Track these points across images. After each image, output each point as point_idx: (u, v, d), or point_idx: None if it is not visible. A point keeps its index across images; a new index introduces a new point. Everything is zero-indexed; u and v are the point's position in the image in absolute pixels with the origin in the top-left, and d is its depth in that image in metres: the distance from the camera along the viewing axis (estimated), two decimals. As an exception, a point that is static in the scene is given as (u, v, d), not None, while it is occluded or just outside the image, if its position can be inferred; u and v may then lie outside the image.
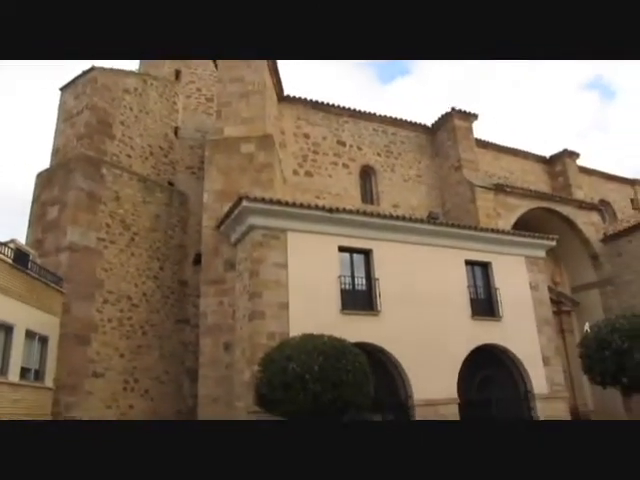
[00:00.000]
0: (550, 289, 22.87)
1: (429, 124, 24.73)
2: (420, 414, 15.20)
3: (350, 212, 15.80)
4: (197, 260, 17.48)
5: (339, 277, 15.21)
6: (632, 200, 31.03)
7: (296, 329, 13.06)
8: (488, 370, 17.48)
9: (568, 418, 18.17)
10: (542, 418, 17.29)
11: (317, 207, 15.32)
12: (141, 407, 17.17)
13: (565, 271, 25.96)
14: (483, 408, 16.66)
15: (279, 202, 14.61)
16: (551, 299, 22.32)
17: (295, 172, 20.57)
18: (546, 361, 18.21)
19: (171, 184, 21.22)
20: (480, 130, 30.44)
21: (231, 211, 14.96)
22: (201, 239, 16.59)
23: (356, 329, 14.68)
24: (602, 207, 27.62)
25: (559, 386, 18.30)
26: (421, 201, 23.03)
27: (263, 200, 14.45)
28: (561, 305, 23.83)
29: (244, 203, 14.22)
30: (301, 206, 14.94)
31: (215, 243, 16.05)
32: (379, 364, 15.23)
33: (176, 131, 21.97)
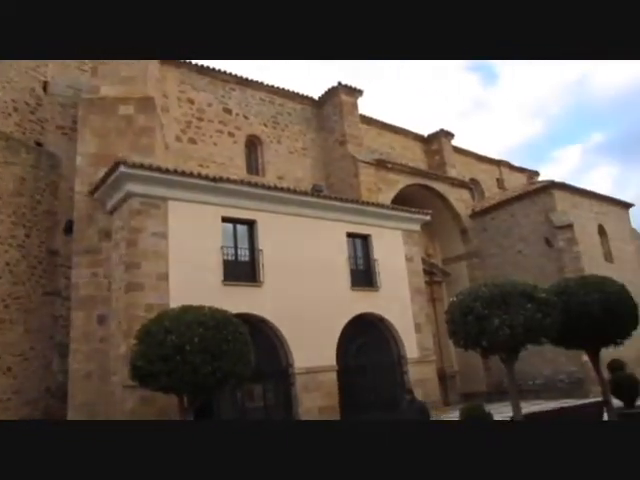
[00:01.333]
0: (423, 261, 24.35)
1: (316, 97, 24.88)
2: (300, 382, 15.65)
3: (234, 182, 15.56)
4: (68, 228, 16.26)
5: (222, 248, 15.01)
6: (498, 180, 33.72)
7: (176, 301, 12.74)
8: (365, 338, 18.36)
9: (435, 379, 19.68)
10: (413, 380, 18.57)
11: (200, 176, 14.89)
12: (2, 386, 15.87)
13: (438, 244, 27.74)
14: (360, 374, 17.52)
15: (160, 169, 13.99)
16: (424, 270, 23.80)
17: (178, 138, 19.76)
18: (417, 328, 19.50)
19: (39, 144, 19.38)
20: (365, 106, 31.22)
21: (107, 177, 14.07)
22: (74, 206, 15.43)
23: (238, 300, 14.64)
24: (472, 185, 29.73)
25: (428, 350, 19.72)
26: (306, 174, 23.26)
27: (142, 166, 13.74)
28: (433, 276, 25.48)
29: (121, 169, 13.44)
30: (183, 174, 14.43)
31: (89, 210, 15.04)
32: (261, 334, 15.37)
33: (45, 86, 20.02)
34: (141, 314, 13.02)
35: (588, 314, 11.96)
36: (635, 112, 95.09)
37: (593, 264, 22.78)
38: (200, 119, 20.47)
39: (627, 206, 28.78)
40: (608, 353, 14.28)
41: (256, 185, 16.15)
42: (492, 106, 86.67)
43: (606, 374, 13.86)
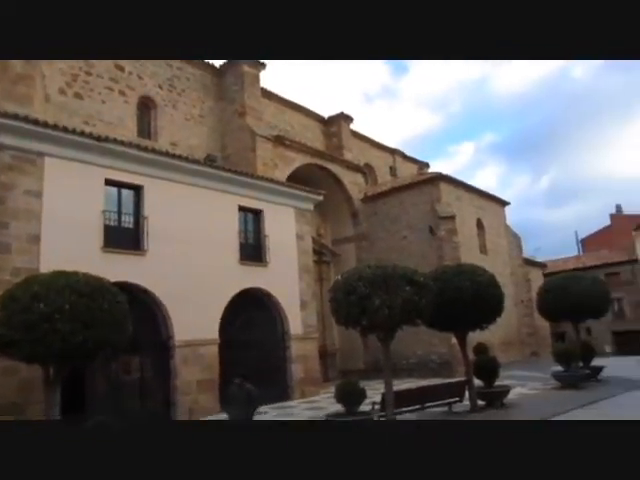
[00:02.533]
0: (314, 240, 24.73)
1: (217, 65, 24.06)
2: (180, 354, 15.30)
3: (122, 143, 14.65)
4: None
5: (103, 212, 14.14)
6: (391, 168, 34.93)
7: (48, 266, 11.78)
8: (251, 313, 18.31)
9: (317, 356, 20.17)
10: (295, 356, 18.90)
11: (83, 133, 13.84)
12: None
13: (329, 225, 28.28)
14: (244, 349, 17.48)
15: (36, 122, 12.77)
16: (314, 250, 24.18)
17: (62, 91, 18.16)
18: (303, 305, 19.81)
19: None
20: (267, 82, 30.74)
21: (-26, 124, 12.60)
22: None
23: (119, 268, 13.92)
24: (366, 170, 30.55)
25: (311, 328, 20.14)
26: (201, 142, 22.50)
27: (16, 117, 12.47)
28: (322, 256, 25.98)
29: (-10, 117, 12.10)
30: (64, 130, 13.32)
31: (-49, 162, 13.40)
32: (142, 305, 14.77)
33: None
34: (6, 278, 11.95)
35: (461, 299, 12.84)
36: (526, 117, 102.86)
37: (469, 254, 24.44)
38: (88, 73, 18.96)
39: (504, 204, 31.17)
40: (474, 337, 15.44)
41: (145, 149, 15.33)
42: (398, 96, 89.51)
43: (472, 357, 14.97)
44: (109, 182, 14.48)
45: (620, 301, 37.35)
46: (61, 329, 9.53)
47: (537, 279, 34.22)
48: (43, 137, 13.02)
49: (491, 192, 29.60)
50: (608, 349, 35.74)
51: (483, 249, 27.17)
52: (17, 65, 14.19)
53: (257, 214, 18.90)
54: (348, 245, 27.40)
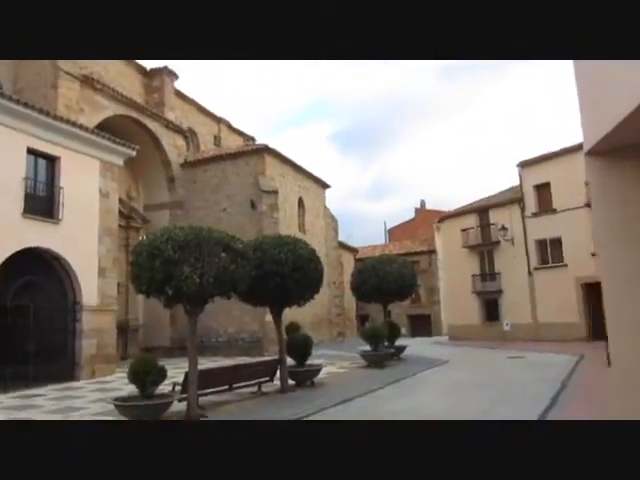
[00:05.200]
0: (123, 203, 22.06)
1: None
2: None
3: None
4: None
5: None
6: (215, 137, 33.05)
7: None
8: (34, 276, 15.36)
9: (114, 330, 17.82)
10: (87, 330, 16.38)
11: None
12: None
13: (142, 189, 25.62)
14: (20, 317, 14.55)
15: None
16: (122, 214, 21.58)
17: None
18: (102, 272, 17.32)
19: None
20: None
21: None
22: None
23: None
24: (189, 134, 28.33)
25: (110, 299, 17.75)
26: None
27: None
28: (131, 221, 23.37)
29: None
30: None
31: None
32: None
33: None
34: None
35: (281, 272, 11.91)
36: (362, 112, 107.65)
37: (288, 232, 23.78)
38: None
39: (325, 186, 31.45)
40: (287, 316, 14.72)
41: None
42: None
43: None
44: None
45: (418, 287, 40.66)
46: None
47: (348, 263, 35.47)
48: None
49: (314, 173, 29.53)
50: (404, 331, 38.65)
51: (302, 228, 26.98)
52: None
53: (52, 161, 15.86)
54: (162, 212, 25.05)
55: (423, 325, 42.53)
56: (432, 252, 42.06)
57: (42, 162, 15.62)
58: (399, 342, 19.91)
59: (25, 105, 14.72)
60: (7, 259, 13.95)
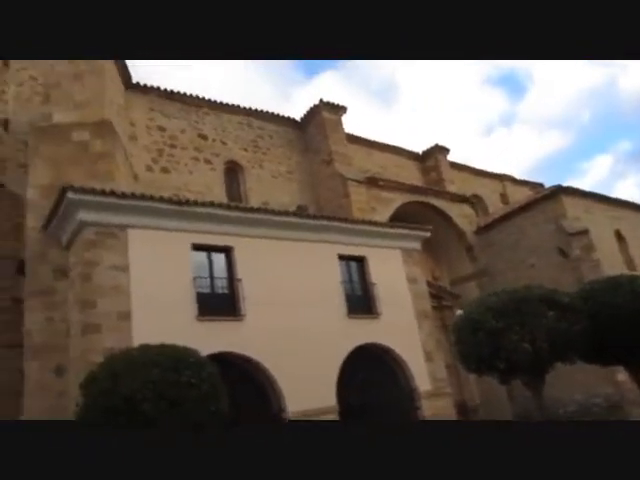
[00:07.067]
0: (430, 284, 22.42)
1: (298, 119, 23.52)
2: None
3: (204, 205, 13.88)
4: (20, 269, 14.59)
5: (194, 279, 13.21)
6: (501, 195, 32.04)
7: (141, 342, 10.86)
8: (369, 371, 16.27)
9: (453, 415, 17.44)
10: (428, 417, 16.39)
11: (163, 199, 13.24)
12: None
13: (444, 266, 25.88)
14: (366, 414, 15.40)
15: (114, 193, 12.33)
16: (432, 294, 21.85)
17: (149, 168, 18.24)
18: (428, 356, 17.41)
19: (1, 185, 17.99)
20: (350, 126, 29.98)
21: (56, 207, 12.44)
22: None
23: (216, 337, 12.80)
24: (474, 200, 28.04)
25: (442, 382, 17.56)
26: (293, 198, 21.61)
27: (94, 191, 12.11)
28: (442, 300, 23.47)
29: (69, 195, 11.80)
30: (143, 198, 12.77)
31: (42, 247, 13.37)
32: (246, 376, 13.44)
33: (6, 124, 18.74)
34: (99, 360, 11.13)
35: (620, 319, 10.02)
36: None
37: (615, 272, 20.74)
38: (173, 146, 19.01)
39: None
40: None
41: (228, 207, 14.51)
42: (519, 120, 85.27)
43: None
44: (197, 247, 13.66)
45: None
46: (145, 411, 8.30)
47: None
48: (124, 209, 12.55)
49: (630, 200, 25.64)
50: None
51: (630, 264, 23.14)
52: (96, 144, 14.17)
53: (360, 261, 17.21)
54: (468, 284, 24.67)
55: None
56: None
57: (352, 264, 17.07)
58: None
59: (329, 218, 16.56)
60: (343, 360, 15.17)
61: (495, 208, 30.16)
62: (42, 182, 13.81)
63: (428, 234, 19.26)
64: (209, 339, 12.41)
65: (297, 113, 23.43)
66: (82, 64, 15.23)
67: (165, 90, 19.56)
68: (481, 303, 9.27)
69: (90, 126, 14.41)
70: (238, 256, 14.29)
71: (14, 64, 19.73)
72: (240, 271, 14.15)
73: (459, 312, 9.86)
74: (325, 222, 16.32)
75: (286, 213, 16.01)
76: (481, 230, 25.00)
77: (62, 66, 15.15)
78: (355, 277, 17.09)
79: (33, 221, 13.65)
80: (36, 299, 12.91)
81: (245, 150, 21.18)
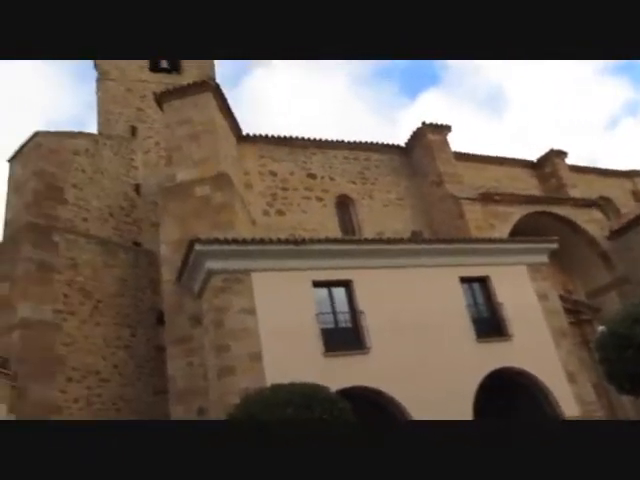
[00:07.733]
0: (564, 298, 20.87)
1: (402, 144, 23.46)
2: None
3: (319, 241, 14.22)
4: (160, 319, 15.83)
5: (317, 315, 13.47)
6: (633, 192, 29.35)
7: (274, 381, 11.25)
8: (507, 398, 15.41)
9: (608, 440, 15.87)
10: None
11: (281, 241, 13.78)
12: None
13: (576, 278, 24.02)
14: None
15: (236, 241, 13.08)
16: (567, 309, 20.30)
17: (265, 212, 19.14)
18: (571, 378, 16.11)
19: (137, 244, 19.83)
20: (457, 143, 29.28)
21: (186, 259, 13.43)
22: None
23: (345, 372, 12.90)
24: (602, 203, 25.89)
25: (591, 405, 16.08)
26: (406, 225, 21.40)
27: (217, 241, 12.94)
28: (579, 314, 21.73)
29: (197, 247, 12.72)
30: (262, 242, 13.40)
31: (177, 298, 14.44)
32: (378, 408, 13.31)
33: (138, 189, 20.76)
34: (236, 401, 11.65)
35: None
36: None
37: None
38: (285, 189, 19.83)
39: None
40: None
41: (343, 241, 14.74)
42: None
43: None
44: (317, 283, 13.97)
45: None
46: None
47: None
48: (246, 254, 13.23)
49: None
50: None
51: None
52: (217, 196, 15.17)
53: (484, 281, 16.53)
54: (608, 295, 22.61)
55: None
56: None
57: (475, 286, 16.43)
58: None
59: (445, 241, 16.18)
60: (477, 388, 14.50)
61: (628, 208, 27.62)
62: (172, 238, 15.01)
63: (555, 245, 18.06)
64: (337, 374, 12.52)
65: (405, 136, 23.31)
66: (198, 125, 16.55)
67: (272, 137, 20.56)
68: (626, 315, 8.46)
69: (210, 180, 15.51)
70: (358, 288, 14.38)
71: (140, 133, 21.91)
72: (361, 303, 14.21)
73: (601, 328, 9.04)
74: (443, 245, 15.97)
75: (401, 240, 15.91)
76: (615, 234, 22.95)
77: (181, 130, 16.57)
78: (480, 299, 16.41)
79: (168, 274, 14.81)
80: (176, 347, 13.89)
81: (353, 183, 21.50)
